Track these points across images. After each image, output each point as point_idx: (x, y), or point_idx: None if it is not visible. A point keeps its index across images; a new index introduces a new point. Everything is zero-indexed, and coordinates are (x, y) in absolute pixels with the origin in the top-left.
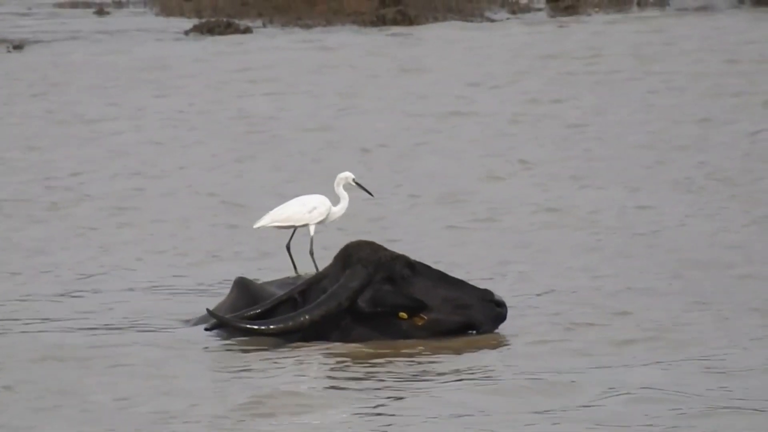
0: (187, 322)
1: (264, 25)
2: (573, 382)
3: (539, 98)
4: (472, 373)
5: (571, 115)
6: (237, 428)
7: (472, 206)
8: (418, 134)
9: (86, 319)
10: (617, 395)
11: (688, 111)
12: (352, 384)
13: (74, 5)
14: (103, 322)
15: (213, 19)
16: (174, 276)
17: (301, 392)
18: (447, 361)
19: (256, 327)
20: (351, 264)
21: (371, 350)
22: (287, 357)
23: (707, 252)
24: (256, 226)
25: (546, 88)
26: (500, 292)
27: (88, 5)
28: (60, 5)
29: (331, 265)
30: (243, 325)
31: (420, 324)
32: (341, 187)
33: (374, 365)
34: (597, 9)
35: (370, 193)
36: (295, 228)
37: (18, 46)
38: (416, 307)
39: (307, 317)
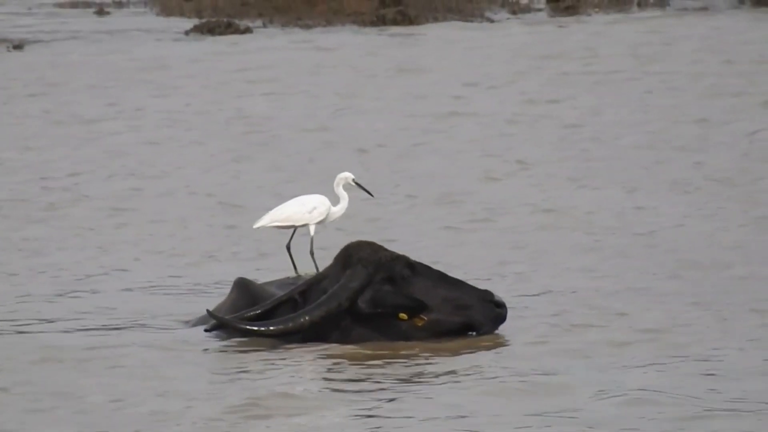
0: (186, 323)
1: (264, 26)
2: (569, 383)
3: (538, 98)
4: (468, 375)
5: (570, 115)
6: (232, 430)
7: (469, 206)
8: (417, 134)
9: (84, 320)
10: (613, 397)
11: (686, 111)
12: (348, 386)
13: (74, 5)
14: (100, 322)
15: (213, 20)
16: (172, 276)
17: (296, 394)
18: (443, 363)
19: (255, 328)
20: (351, 264)
21: (368, 351)
22: (284, 358)
23: (705, 252)
24: (255, 226)
25: (545, 89)
26: (498, 292)
27: (88, 5)
28: (60, 5)
29: (331, 266)
30: (243, 326)
31: (420, 325)
32: (341, 187)
33: (370, 367)
34: (597, 9)
35: (370, 194)
36: (294, 228)
37: (18, 46)
38: (416, 308)
39: (307, 318)
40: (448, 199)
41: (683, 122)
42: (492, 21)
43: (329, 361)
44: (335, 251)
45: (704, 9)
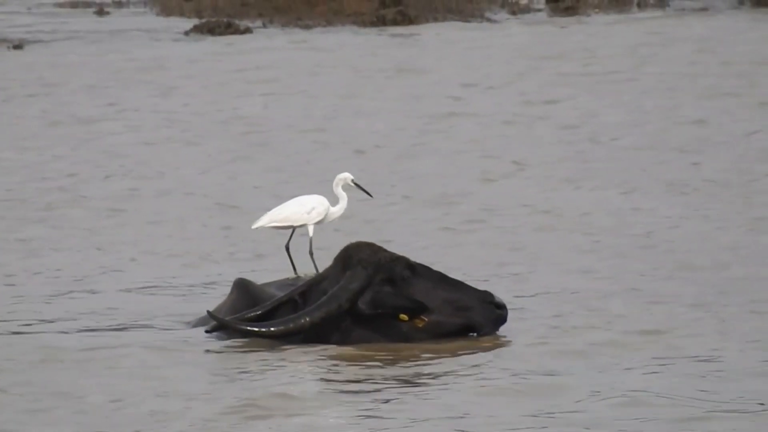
0: (187, 323)
1: (264, 26)
2: (569, 384)
3: (535, 99)
4: (467, 375)
5: (568, 116)
6: (232, 431)
7: (467, 207)
8: (414, 135)
9: (81, 321)
10: (610, 398)
11: (684, 112)
12: (347, 386)
13: (74, 5)
14: (99, 323)
15: (213, 20)
16: (170, 277)
17: (296, 395)
18: (442, 363)
19: (256, 329)
20: (351, 265)
21: (366, 352)
22: (284, 359)
23: (703, 253)
24: (254, 226)
25: (543, 89)
26: (496, 293)
27: (88, 5)
28: (60, 5)
29: (331, 267)
30: (243, 327)
31: (420, 326)
32: (340, 188)
33: (369, 367)
34: (597, 10)
35: (369, 194)
36: (293, 228)
37: (18, 46)
38: (417, 309)
39: (307, 319)
40: (446, 200)
41: (681, 123)
42: (492, 21)
43: (328, 362)
44: (334, 252)
45: (704, 9)
